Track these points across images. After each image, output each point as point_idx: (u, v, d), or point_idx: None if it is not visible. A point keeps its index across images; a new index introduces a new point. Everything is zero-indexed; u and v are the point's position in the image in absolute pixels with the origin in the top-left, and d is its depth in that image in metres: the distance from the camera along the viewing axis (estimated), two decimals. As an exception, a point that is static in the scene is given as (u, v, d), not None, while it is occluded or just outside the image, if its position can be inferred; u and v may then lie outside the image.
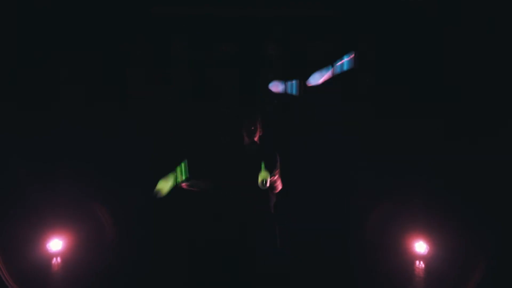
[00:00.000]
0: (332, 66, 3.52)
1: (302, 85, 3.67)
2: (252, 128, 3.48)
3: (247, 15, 4.75)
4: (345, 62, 3.47)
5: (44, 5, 4.32)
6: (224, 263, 3.48)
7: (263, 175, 3.15)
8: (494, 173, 4.25)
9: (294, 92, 3.68)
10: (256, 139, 3.51)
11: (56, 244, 4.38)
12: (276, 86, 3.80)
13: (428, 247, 4.47)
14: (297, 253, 4.29)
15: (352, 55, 3.39)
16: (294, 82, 3.69)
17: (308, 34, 4.71)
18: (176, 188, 3.33)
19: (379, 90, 4.63)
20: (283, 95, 3.79)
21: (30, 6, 4.27)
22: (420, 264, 4.45)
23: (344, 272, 4.22)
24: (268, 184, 3.15)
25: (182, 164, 3.38)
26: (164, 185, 3.29)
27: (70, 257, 4.39)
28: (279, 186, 3.50)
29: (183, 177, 3.37)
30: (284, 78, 3.80)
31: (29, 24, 4.34)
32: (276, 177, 3.43)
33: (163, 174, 4.58)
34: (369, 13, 4.58)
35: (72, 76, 4.50)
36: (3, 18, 4.16)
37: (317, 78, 3.61)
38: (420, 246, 4.50)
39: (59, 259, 4.37)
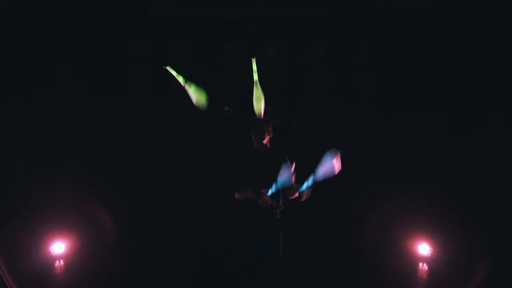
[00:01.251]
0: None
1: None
2: (262, 131, 3.44)
3: (248, 16, 4.74)
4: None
5: (44, 4, 4.36)
6: (226, 265, 3.48)
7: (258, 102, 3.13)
8: (499, 174, 4.18)
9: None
10: (265, 142, 3.48)
11: (59, 247, 4.41)
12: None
13: (432, 249, 4.42)
14: (298, 256, 4.27)
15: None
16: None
17: (307, 35, 4.69)
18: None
19: (379, 90, 4.59)
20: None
21: (29, 7, 4.31)
22: (423, 266, 4.40)
23: (346, 275, 4.19)
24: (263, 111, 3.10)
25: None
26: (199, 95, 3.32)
27: (73, 260, 4.41)
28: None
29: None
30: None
31: (29, 24, 4.38)
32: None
33: (164, 176, 4.67)
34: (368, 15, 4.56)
35: (72, 76, 4.53)
36: (4, 19, 4.21)
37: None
38: (424, 248, 4.45)
39: (62, 262, 4.39)
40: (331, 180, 4.52)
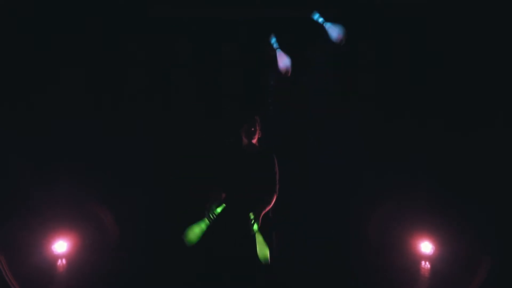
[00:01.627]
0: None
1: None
2: (252, 129, 3.46)
3: (248, 16, 4.74)
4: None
5: (44, 4, 4.36)
6: (220, 266, 3.47)
7: (262, 254, 3.05)
8: (499, 173, 4.18)
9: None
10: (254, 141, 3.50)
11: (61, 246, 4.42)
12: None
13: (434, 248, 4.42)
14: (300, 255, 4.27)
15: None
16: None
17: (307, 35, 4.68)
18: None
19: (379, 90, 4.59)
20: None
21: (29, 7, 4.31)
22: (425, 265, 4.40)
23: (348, 273, 4.19)
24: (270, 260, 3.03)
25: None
26: (193, 234, 3.33)
27: (75, 259, 4.42)
28: (276, 190, 3.44)
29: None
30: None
31: (29, 24, 4.38)
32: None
33: (165, 175, 4.67)
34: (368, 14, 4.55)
35: (73, 76, 4.53)
36: (4, 19, 4.22)
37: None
38: (426, 247, 4.45)
39: (64, 261, 4.40)
40: (331, 180, 4.59)
